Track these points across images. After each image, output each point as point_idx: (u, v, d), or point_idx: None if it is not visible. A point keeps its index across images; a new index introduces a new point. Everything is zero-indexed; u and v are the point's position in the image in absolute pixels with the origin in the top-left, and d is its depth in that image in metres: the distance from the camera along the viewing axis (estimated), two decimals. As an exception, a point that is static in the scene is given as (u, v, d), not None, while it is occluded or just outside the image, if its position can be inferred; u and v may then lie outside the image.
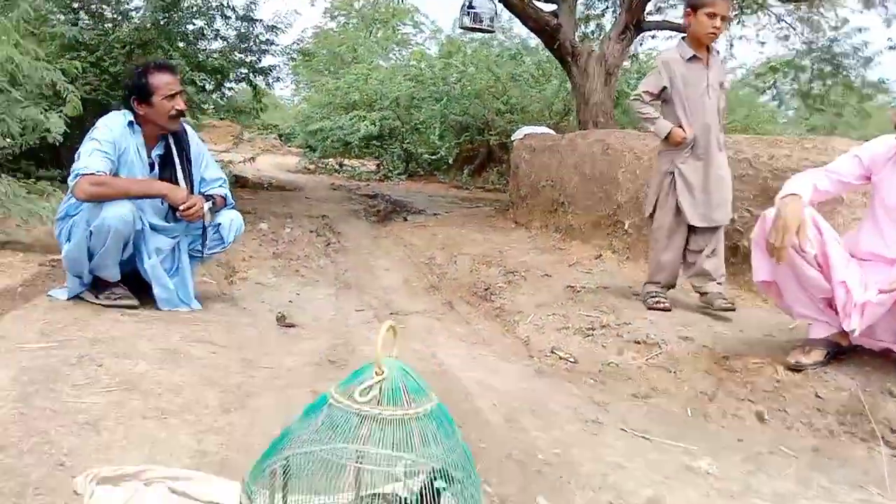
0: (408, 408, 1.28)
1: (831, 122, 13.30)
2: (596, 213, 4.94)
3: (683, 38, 3.47)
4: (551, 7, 8.13)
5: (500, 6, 7.80)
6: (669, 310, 3.36)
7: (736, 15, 9.49)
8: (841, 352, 2.64)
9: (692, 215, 3.36)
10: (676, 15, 9.31)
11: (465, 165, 13.23)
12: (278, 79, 8.93)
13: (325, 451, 1.24)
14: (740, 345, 2.87)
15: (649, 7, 8.66)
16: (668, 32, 10.07)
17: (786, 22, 9.79)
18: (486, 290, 4.03)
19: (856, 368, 2.57)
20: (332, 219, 7.06)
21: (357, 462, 1.25)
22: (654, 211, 3.47)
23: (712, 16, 3.27)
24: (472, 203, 9.32)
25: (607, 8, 9.99)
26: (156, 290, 3.12)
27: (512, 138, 7.41)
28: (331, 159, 14.26)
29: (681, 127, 3.32)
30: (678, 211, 3.38)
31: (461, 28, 7.95)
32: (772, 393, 2.50)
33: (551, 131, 7.78)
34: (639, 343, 3.02)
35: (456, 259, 4.83)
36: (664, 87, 3.36)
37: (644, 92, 3.39)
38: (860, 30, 9.64)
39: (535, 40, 9.85)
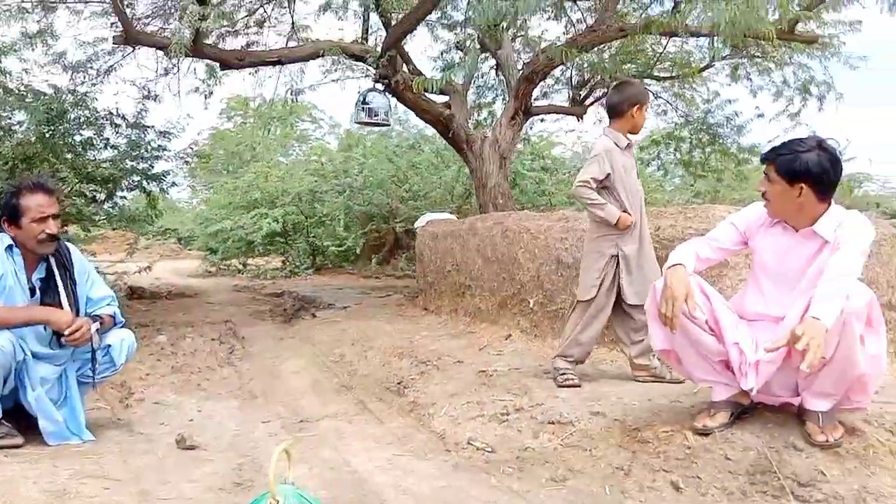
0: (305, 536, 1.21)
1: (713, 186, 14.23)
2: (501, 293, 5.00)
3: (607, 127, 3.65)
4: (443, 98, 8.45)
5: (394, 101, 8.04)
6: (579, 386, 3.39)
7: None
8: (744, 411, 2.72)
9: (630, 294, 3.47)
10: (561, 99, 9.87)
11: (372, 254, 13.23)
12: (174, 184, 8.78)
13: None
14: (650, 414, 2.91)
15: (536, 93, 9.14)
16: (555, 115, 10.65)
17: (663, 98, 10.53)
18: (398, 383, 3.96)
19: (760, 426, 2.64)
20: (236, 323, 6.83)
21: None
22: (596, 295, 3.51)
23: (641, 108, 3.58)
24: (383, 292, 9.27)
25: (497, 96, 10.47)
26: (42, 424, 2.90)
27: (415, 226, 7.50)
28: (233, 260, 13.94)
29: (626, 212, 3.47)
30: (617, 291, 3.49)
31: (357, 123, 8.10)
32: (684, 460, 2.52)
33: (453, 217, 7.94)
34: (553, 423, 3.00)
35: (367, 354, 4.74)
36: (608, 174, 3.50)
37: (591, 178, 3.48)
38: (730, 101, 10.49)
39: (431, 129, 10.17)
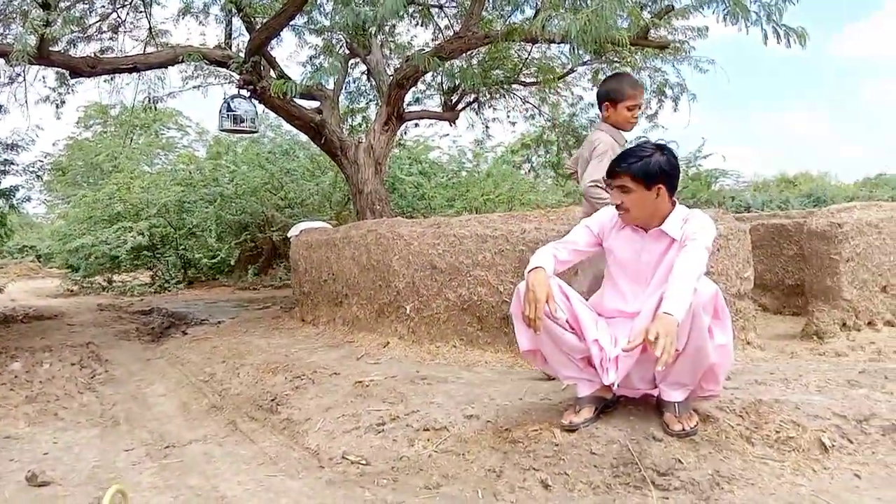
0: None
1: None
2: (378, 301, 4.97)
3: (596, 123, 3.51)
4: (314, 104, 8.31)
5: (261, 106, 7.82)
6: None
7: (485, 101, 10.38)
8: (608, 405, 2.83)
9: None
10: (434, 104, 9.97)
11: (249, 265, 12.84)
12: (28, 199, 8.14)
13: None
14: (520, 413, 2.97)
15: (408, 98, 9.18)
16: (429, 120, 10.75)
17: (530, 103, 10.88)
18: (272, 400, 3.83)
19: (622, 419, 2.76)
20: (99, 345, 6.40)
21: None
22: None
23: (632, 108, 3.42)
24: (260, 303, 9.00)
25: (370, 101, 10.44)
26: None
27: (288, 235, 7.32)
28: (97, 277, 13.09)
29: None
30: None
31: (222, 130, 7.81)
32: (552, 457, 2.59)
33: (327, 225, 7.81)
34: (428, 430, 3.01)
35: (239, 371, 4.56)
36: None
37: (601, 178, 3.36)
38: (592, 105, 10.99)
39: (305, 135, 10.01)
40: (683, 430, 2.60)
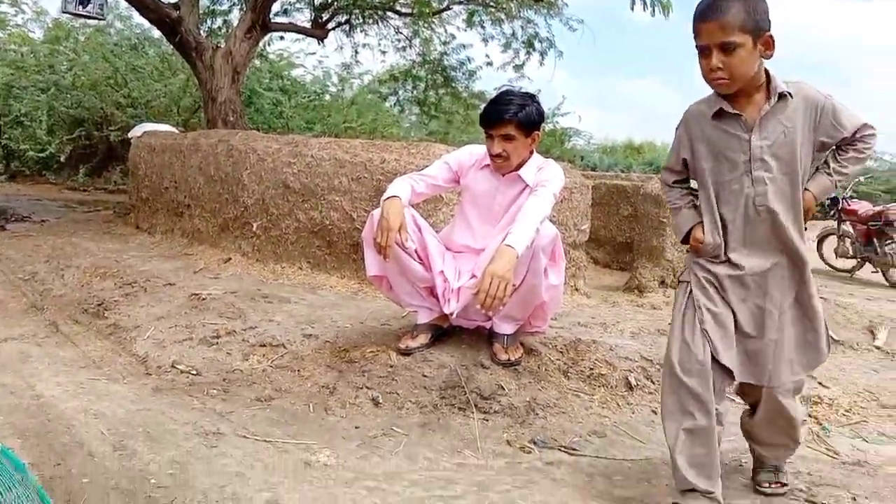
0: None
1: (444, 127, 14.98)
2: (223, 215, 4.80)
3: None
4: (173, -1, 7.69)
5: (111, -9, 7.12)
6: None
7: (358, 24, 10.09)
8: (443, 333, 2.97)
9: None
10: (303, 19, 9.55)
11: (81, 164, 11.82)
12: None
13: None
14: (360, 336, 3.04)
15: (276, 8, 8.72)
16: (295, 36, 10.29)
17: (403, 34, 10.71)
18: (98, 305, 3.64)
19: (454, 347, 2.91)
20: None
21: None
22: None
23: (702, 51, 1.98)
24: (90, 206, 8.36)
25: (233, 5, 9.80)
26: None
27: (129, 136, 6.81)
28: None
29: None
30: None
31: (64, 13, 7.03)
32: (385, 378, 2.70)
33: (173, 129, 7.36)
34: (264, 346, 3.01)
35: (63, 273, 4.26)
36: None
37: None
38: (464, 46, 11.02)
39: (158, 32, 9.23)
40: (509, 360, 2.79)
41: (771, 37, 1.75)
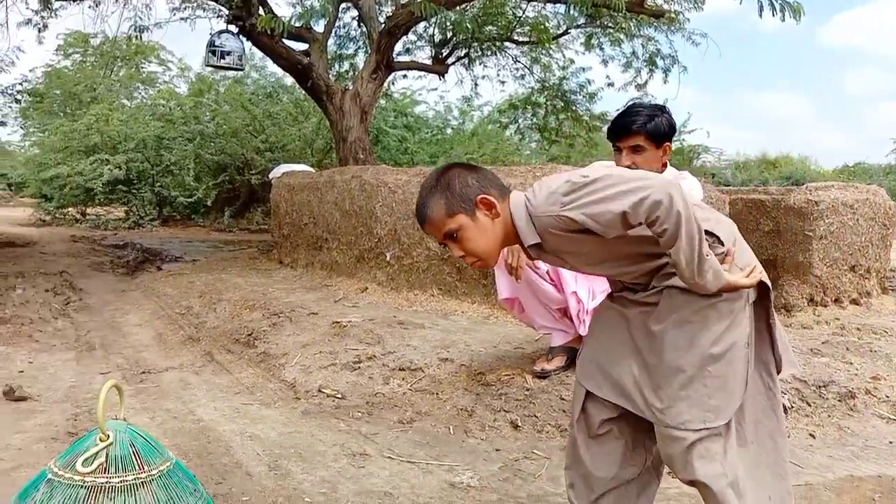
0: (140, 471, 1.18)
1: (566, 151, 14.89)
2: (359, 247, 5.00)
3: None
4: (303, 46, 8.18)
5: (248, 44, 7.68)
6: None
7: (477, 56, 10.28)
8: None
9: None
10: (424, 56, 9.86)
11: (225, 207, 12.73)
12: (3, 123, 7.96)
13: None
14: (494, 360, 3.05)
15: (398, 48, 9.07)
16: (418, 73, 10.63)
17: (521, 63, 10.80)
18: (249, 335, 3.88)
19: (591, 369, 2.85)
20: (73, 274, 6.36)
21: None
22: None
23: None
24: (236, 246, 8.97)
25: (359, 48, 10.28)
26: None
27: (269, 177, 7.26)
28: (70, 208, 12.91)
29: None
30: None
31: (208, 66, 7.67)
32: (523, 401, 2.68)
33: (309, 168, 7.77)
34: (403, 370, 3.08)
35: (216, 306, 4.58)
36: None
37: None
38: (583, 69, 10.93)
39: (290, 78, 9.84)
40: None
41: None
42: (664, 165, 2.73)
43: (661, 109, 2.67)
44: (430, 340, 3.40)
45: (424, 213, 1.53)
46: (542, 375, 2.80)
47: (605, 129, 2.76)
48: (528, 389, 2.74)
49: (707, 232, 1.43)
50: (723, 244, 1.52)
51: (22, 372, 3.36)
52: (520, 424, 2.57)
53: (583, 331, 2.76)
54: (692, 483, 1.45)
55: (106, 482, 1.13)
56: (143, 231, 11.60)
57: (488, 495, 2.07)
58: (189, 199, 12.25)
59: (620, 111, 2.75)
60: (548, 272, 2.77)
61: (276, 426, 2.62)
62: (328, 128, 9.29)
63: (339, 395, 2.95)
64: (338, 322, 3.81)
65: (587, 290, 2.81)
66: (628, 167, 2.65)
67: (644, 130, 2.57)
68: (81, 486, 1.13)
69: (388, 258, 4.67)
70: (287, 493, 2.03)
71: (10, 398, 2.87)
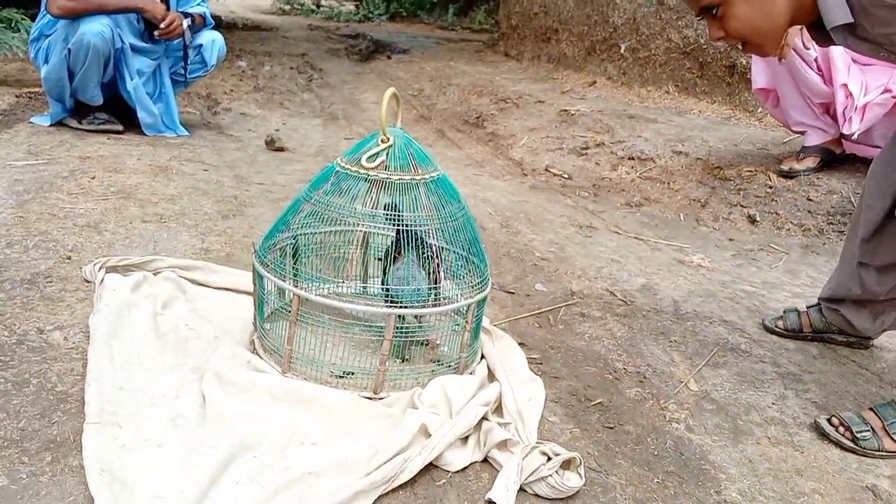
0: (415, 173, 1.29)
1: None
2: (590, 38, 4.76)
3: None
4: None
5: None
6: None
7: None
8: (833, 160, 2.65)
9: None
10: None
11: (450, 4, 12.62)
12: None
13: (336, 213, 1.25)
14: (734, 156, 2.87)
15: None
16: None
17: None
18: (477, 117, 3.96)
19: (847, 174, 2.60)
20: (313, 57, 6.79)
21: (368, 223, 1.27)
22: None
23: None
24: (459, 42, 8.97)
25: None
26: (140, 115, 3.03)
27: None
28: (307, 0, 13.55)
29: None
30: None
31: None
32: (764, 198, 2.53)
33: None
34: (633, 159, 3.01)
35: (445, 90, 4.70)
36: None
37: None
38: None
39: None
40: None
41: None
42: None
43: None
44: (663, 134, 3.25)
45: None
46: (790, 175, 2.59)
47: None
48: (770, 187, 2.57)
49: None
50: None
51: (278, 130, 3.74)
52: (758, 219, 2.45)
53: (846, 129, 2.47)
54: None
55: (387, 178, 1.25)
56: (372, 25, 11.94)
57: (720, 276, 2.03)
58: (416, -5, 12.28)
59: None
60: (815, 59, 2.46)
61: (505, 195, 2.73)
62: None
63: (566, 176, 2.98)
64: (565, 110, 3.76)
65: (859, 84, 2.47)
66: None
67: None
68: (365, 179, 1.26)
69: (622, 50, 4.42)
70: (519, 247, 2.14)
71: (271, 148, 3.22)
